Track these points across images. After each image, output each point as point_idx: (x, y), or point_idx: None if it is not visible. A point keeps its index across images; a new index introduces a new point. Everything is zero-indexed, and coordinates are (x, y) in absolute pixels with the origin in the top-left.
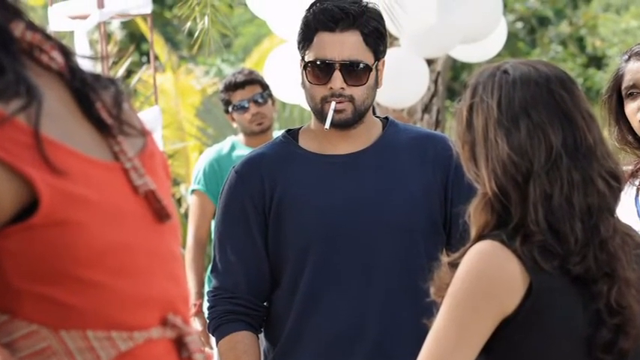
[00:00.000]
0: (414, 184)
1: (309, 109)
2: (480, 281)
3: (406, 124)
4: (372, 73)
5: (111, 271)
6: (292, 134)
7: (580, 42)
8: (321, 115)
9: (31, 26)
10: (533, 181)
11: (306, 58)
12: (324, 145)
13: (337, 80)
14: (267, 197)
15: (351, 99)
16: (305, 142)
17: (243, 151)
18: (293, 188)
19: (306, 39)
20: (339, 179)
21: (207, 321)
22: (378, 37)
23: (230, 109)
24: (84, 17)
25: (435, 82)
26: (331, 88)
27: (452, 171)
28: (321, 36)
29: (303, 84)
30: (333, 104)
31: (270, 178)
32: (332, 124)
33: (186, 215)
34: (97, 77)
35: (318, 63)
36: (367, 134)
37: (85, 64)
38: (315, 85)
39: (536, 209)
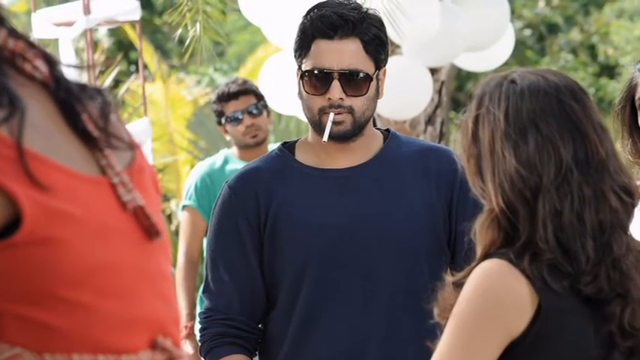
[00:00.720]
0: (416, 200)
1: (306, 120)
2: (486, 302)
3: (408, 136)
4: (373, 83)
5: (97, 292)
6: (288, 147)
7: (591, 50)
8: (318, 127)
9: (13, 33)
10: (543, 197)
11: (303, 67)
12: (322, 158)
13: (336, 90)
14: (262, 214)
15: (351, 110)
16: (302, 156)
17: (237, 165)
18: (289, 205)
19: (303, 47)
20: (338, 195)
21: (199, 344)
22: (378, 45)
23: (223, 120)
24: (69, 24)
25: (439, 92)
26: (329, 98)
27: (457, 186)
28: (319, 44)
29: (299, 94)
30: (331, 116)
31: (266, 193)
32: (330, 137)
33: (176, 232)
34: (83, 87)
35: (316, 72)
36: (367, 147)
37: (71, 74)
38: (312, 95)
39: (546, 226)
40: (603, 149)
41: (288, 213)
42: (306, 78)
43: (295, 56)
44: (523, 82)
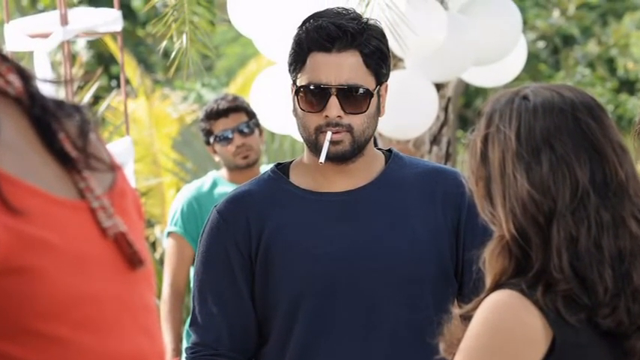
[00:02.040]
0: (421, 226)
1: (301, 140)
2: (497, 336)
3: (412, 157)
4: (374, 100)
5: (75, 325)
6: (282, 169)
7: (610, 64)
8: (315, 148)
9: None
10: (557, 223)
11: (298, 83)
12: (318, 181)
13: (333, 107)
14: (253, 242)
15: (350, 129)
16: (297, 178)
17: (227, 188)
18: (283, 232)
19: (298, 60)
20: (336, 221)
21: None
22: (380, 58)
23: (211, 140)
24: (45, 36)
25: (445, 109)
26: (327, 116)
27: (464, 211)
28: (316, 57)
29: (294, 112)
30: (328, 135)
31: (258, 219)
32: (328, 158)
33: (161, 261)
34: (60, 104)
35: (312, 88)
36: (368, 169)
37: (47, 89)
38: (308, 112)
39: (560, 254)
40: (623, 171)
41: (282, 241)
42: (301, 94)
43: (289, 70)
44: (536, 99)
